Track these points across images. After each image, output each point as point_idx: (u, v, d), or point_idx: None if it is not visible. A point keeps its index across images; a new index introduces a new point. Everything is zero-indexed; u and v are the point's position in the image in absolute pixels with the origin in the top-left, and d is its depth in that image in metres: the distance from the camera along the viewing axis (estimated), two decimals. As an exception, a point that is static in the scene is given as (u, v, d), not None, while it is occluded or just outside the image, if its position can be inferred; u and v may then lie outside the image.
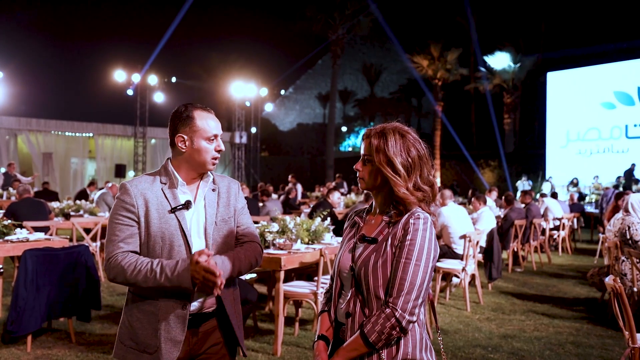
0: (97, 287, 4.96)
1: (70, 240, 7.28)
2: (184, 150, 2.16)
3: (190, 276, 1.99)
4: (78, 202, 9.92)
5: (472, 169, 28.14)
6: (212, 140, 2.17)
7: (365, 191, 2.02)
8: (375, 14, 30.45)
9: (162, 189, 2.15)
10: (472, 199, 8.56)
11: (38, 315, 4.53)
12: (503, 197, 9.88)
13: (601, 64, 23.51)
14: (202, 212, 2.20)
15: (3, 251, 5.29)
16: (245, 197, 11.24)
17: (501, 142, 28.19)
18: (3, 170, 17.48)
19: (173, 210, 2.13)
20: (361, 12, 29.67)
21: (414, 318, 1.76)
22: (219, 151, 2.18)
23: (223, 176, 2.35)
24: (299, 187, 16.29)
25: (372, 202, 2.01)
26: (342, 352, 1.83)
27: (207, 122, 2.16)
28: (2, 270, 5.70)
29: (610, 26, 32.98)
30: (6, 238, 5.42)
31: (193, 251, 2.10)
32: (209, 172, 2.25)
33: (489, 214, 8.02)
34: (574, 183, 19.76)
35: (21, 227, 6.01)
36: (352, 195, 15.05)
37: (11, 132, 20.84)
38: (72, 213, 8.99)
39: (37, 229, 6.95)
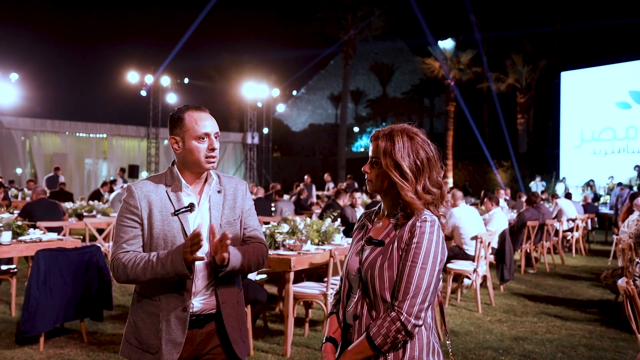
0: (108, 287, 5.00)
1: (83, 240, 7.35)
2: (178, 152, 2.18)
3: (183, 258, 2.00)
4: (91, 202, 10.01)
5: (485, 169, 27.93)
6: (203, 139, 2.14)
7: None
8: (388, 14, 30.40)
9: (166, 192, 2.17)
10: (485, 200, 8.50)
11: (50, 316, 4.56)
12: (525, 198, 9.77)
13: (616, 64, 23.22)
14: (207, 215, 2.20)
15: (17, 251, 5.36)
16: (258, 198, 11.11)
17: (512, 143, 27.85)
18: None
19: (176, 212, 2.14)
20: (373, 13, 29.63)
21: (420, 322, 1.74)
22: (212, 149, 2.15)
23: (231, 177, 2.35)
24: (313, 187, 16.21)
25: (381, 204, 2.00)
26: (349, 354, 1.83)
27: (197, 122, 2.14)
28: (15, 270, 5.78)
29: (625, 24, 32.59)
30: (20, 238, 5.49)
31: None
32: (212, 173, 2.25)
33: (501, 214, 7.96)
34: (590, 185, 19.53)
35: (35, 227, 6.08)
36: (364, 196, 15.00)
37: (26, 134, 21.12)
38: (85, 213, 9.06)
39: (50, 229, 7.03)
